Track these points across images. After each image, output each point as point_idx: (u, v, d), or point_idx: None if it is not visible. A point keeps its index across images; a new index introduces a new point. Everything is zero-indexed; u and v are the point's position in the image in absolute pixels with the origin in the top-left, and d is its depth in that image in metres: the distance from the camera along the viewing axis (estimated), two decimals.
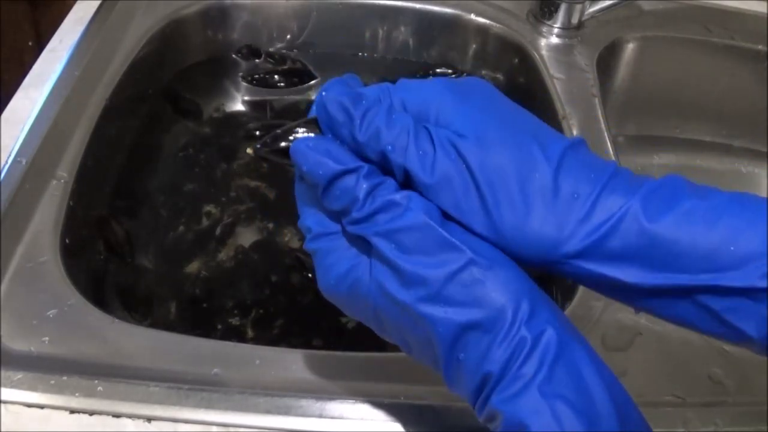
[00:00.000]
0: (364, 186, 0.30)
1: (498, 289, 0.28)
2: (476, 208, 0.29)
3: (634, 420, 0.28)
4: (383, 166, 0.31)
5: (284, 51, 0.79)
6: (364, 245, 0.31)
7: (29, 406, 0.41)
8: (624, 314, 0.49)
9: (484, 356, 0.28)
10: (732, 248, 0.27)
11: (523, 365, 0.27)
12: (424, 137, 0.30)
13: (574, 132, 0.64)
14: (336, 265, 0.31)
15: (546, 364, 0.27)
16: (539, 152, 0.29)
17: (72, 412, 0.41)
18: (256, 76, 0.77)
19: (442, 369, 0.30)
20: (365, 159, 0.31)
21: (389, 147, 0.30)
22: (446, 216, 0.30)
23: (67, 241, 0.51)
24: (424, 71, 0.79)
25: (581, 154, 0.30)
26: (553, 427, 0.26)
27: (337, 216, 0.32)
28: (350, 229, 0.31)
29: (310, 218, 0.33)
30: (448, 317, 0.28)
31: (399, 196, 0.30)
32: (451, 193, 0.29)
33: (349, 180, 0.30)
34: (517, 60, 0.75)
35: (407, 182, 0.30)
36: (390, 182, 0.30)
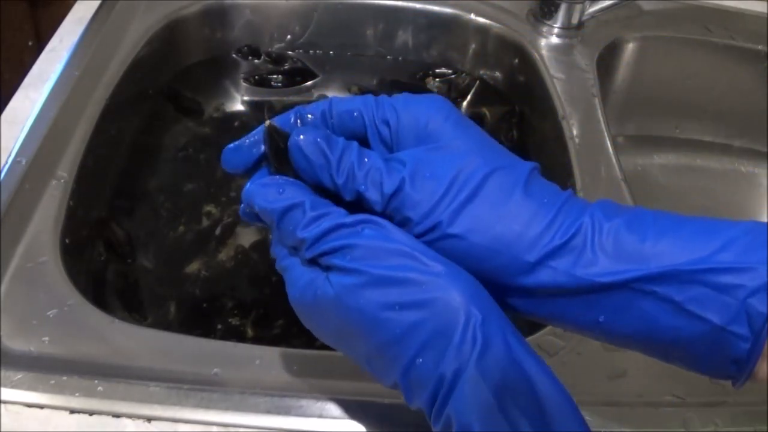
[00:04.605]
0: (311, 214, 0.31)
1: (451, 293, 0.29)
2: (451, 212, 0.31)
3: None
4: (361, 206, 0.32)
5: (284, 51, 0.79)
6: (319, 264, 0.32)
7: (29, 406, 0.41)
8: None
9: (441, 359, 0.28)
10: (689, 241, 0.29)
11: (477, 366, 0.28)
12: (395, 170, 0.31)
13: (574, 132, 0.64)
14: (300, 278, 0.32)
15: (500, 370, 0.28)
16: (514, 167, 0.32)
17: (72, 412, 0.41)
18: (256, 76, 0.77)
19: (400, 375, 0.30)
20: (343, 201, 0.32)
21: (362, 187, 0.31)
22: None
23: (67, 241, 0.51)
24: (423, 71, 0.79)
25: (541, 178, 0.33)
26: None
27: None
28: (306, 255, 0.31)
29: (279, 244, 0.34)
30: (403, 319, 0.29)
31: (348, 219, 0.31)
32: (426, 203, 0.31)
33: (296, 213, 0.31)
34: (516, 60, 0.75)
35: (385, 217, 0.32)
36: (339, 211, 0.31)
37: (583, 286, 0.30)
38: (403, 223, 0.31)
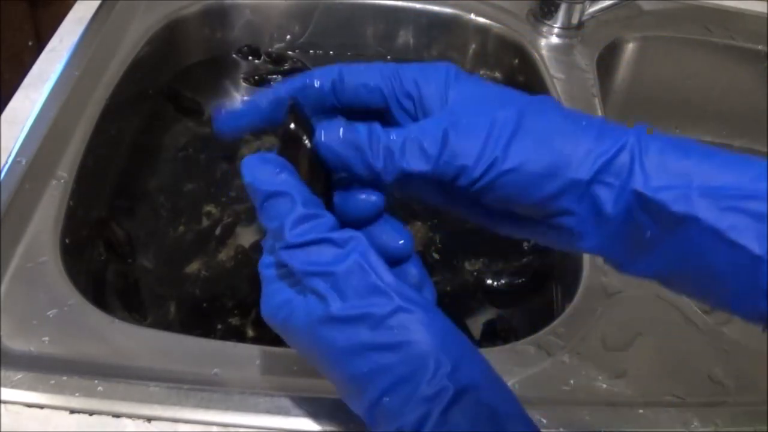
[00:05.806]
0: (301, 212, 0.30)
1: (423, 338, 0.28)
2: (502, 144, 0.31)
3: None
4: (402, 190, 0.32)
5: (284, 51, 0.79)
6: (298, 281, 0.31)
7: (29, 406, 0.41)
8: (624, 314, 0.49)
9: (406, 404, 0.28)
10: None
11: (442, 416, 0.28)
12: (429, 131, 0.31)
13: None
14: (275, 294, 0.32)
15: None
16: (542, 101, 0.33)
17: (72, 412, 0.40)
18: (256, 76, 0.77)
19: (366, 410, 0.30)
20: (382, 187, 0.32)
21: (404, 163, 0.31)
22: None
23: (67, 241, 0.51)
24: None
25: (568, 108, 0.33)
26: None
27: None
28: (282, 255, 0.31)
29: (268, 242, 0.34)
30: (371, 360, 0.29)
31: (336, 235, 0.30)
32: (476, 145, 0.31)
33: (284, 203, 0.30)
34: (517, 60, 0.75)
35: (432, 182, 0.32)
36: (328, 218, 0.31)
37: (632, 203, 0.30)
38: (458, 174, 0.31)
